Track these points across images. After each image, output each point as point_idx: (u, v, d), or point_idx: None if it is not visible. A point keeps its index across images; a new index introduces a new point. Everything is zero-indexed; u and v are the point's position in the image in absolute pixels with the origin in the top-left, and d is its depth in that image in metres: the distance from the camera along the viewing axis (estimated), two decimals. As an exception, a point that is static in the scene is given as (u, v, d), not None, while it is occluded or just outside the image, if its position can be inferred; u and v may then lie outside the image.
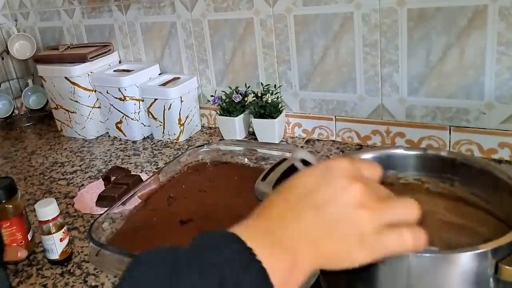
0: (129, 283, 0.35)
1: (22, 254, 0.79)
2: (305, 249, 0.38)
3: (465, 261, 0.42)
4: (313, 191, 0.39)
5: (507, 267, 0.41)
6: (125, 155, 1.23)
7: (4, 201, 0.80)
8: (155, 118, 1.27)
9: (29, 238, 0.84)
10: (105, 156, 1.25)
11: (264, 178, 0.62)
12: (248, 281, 0.34)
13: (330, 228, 0.38)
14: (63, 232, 0.79)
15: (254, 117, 1.14)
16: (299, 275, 0.38)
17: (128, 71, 1.32)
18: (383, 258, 0.39)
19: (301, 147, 1.11)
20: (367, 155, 0.60)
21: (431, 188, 0.58)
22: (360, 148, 1.08)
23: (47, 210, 0.78)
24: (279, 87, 1.16)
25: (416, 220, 0.40)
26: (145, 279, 0.35)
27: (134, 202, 0.85)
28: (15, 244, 0.81)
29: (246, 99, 1.15)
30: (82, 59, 1.34)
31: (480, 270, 0.42)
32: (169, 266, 0.35)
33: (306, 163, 0.45)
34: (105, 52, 1.40)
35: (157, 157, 1.19)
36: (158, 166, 1.13)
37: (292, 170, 0.63)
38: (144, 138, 1.33)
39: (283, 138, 1.18)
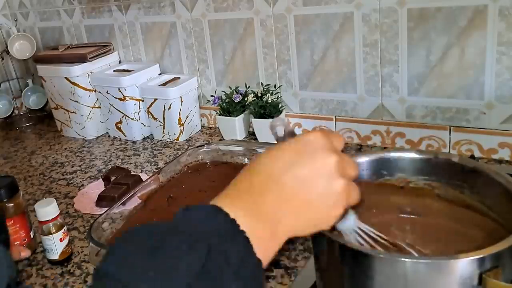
0: (113, 261, 0.35)
1: (25, 253, 0.79)
2: (286, 219, 0.41)
3: (451, 269, 0.41)
4: (296, 164, 0.42)
5: (493, 280, 0.39)
6: (125, 155, 1.23)
7: (5, 200, 0.80)
8: (155, 118, 1.27)
9: (31, 236, 0.84)
10: (105, 156, 1.25)
11: None
12: (234, 250, 0.36)
13: (313, 198, 0.41)
14: (63, 232, 0.79)
15: (254, 117, 1.14)
16: (277, 242, 0.41)
17: (128, 71, 1.32)
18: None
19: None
20: (374, 157, 0.60)
21: (441, 194, 0.58)
22: (360, 148, 1.08)
23: (47, 210, 0.78)
24: (279, 87, 1.16)
25: None
26: (129, 254, 0.35)
27: (134, 202, 0.84)
28: (17, 243, 0.81)
29: (246, 99, 1.15)
30: (82, 59, 1.34)
31: (464, 280, 0.40)
32: (153, 240, 0.35)
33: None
34: (105, 52, 1.40)
35: (157, 157, 1.19)
36: (158, 166, 1.13)
37: None
38: (144, 138, 1.33)
39: (283, 138, 1.17)
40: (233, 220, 0.37)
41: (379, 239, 0.49)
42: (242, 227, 0.37)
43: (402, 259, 0.41)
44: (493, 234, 0.49)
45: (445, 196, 0.57)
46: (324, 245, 0.49)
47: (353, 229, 0.48)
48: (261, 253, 0.38)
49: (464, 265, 0.40)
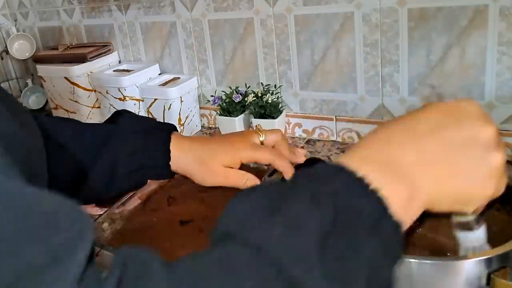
0: (233, 220, 0.32)
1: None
2: (426, 183, 0.35)
3: (458, 269, 0.40)
4: (445, 127, 0.36)
5: (501, 280, 0.39)
6: (125, 155, 1.23)
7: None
8: (155, 118, 1.27)
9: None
10: (105, 156, 1.25)
11: (270, 175, 0.61)
12: (366, 206, 0.31)
13: (461, 166, 0.35)
14: (63, 232, 0.79)
15: (254, 117, 1.14)
16: (416, 207, 0.35)
17: (128, 71, 1.32)
18: None
19: (301, 147, 1.11)
20: None
21: None
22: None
23: (47, 210, 0.77)
24: (279, 87, 1.16)
25: None
26: (249, 213, 0.31)
27: (134, 202, 0.84)
28: None
29: (246, 99, 1.15)
30: (81, 59, 1.34)
31: (472, 281, 0.40)
32: (272, 199, 0.32)
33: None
34: (104, 52, 1.40)
35: (157, 157, 1.18)
36: (158, 166, 1.12)
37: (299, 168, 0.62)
38: (144, 138, 1.33)
39: (283, 138, 1.17)
40: (361, 179, 0.32)
41: None
42: (374, 184, 0.32)
43: (408, 260, 0.41)
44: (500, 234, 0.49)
45: None
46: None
47: (478, 245, 0.41)
48: (399, 213, 0.32)
49: (472, 266, 0.40)
